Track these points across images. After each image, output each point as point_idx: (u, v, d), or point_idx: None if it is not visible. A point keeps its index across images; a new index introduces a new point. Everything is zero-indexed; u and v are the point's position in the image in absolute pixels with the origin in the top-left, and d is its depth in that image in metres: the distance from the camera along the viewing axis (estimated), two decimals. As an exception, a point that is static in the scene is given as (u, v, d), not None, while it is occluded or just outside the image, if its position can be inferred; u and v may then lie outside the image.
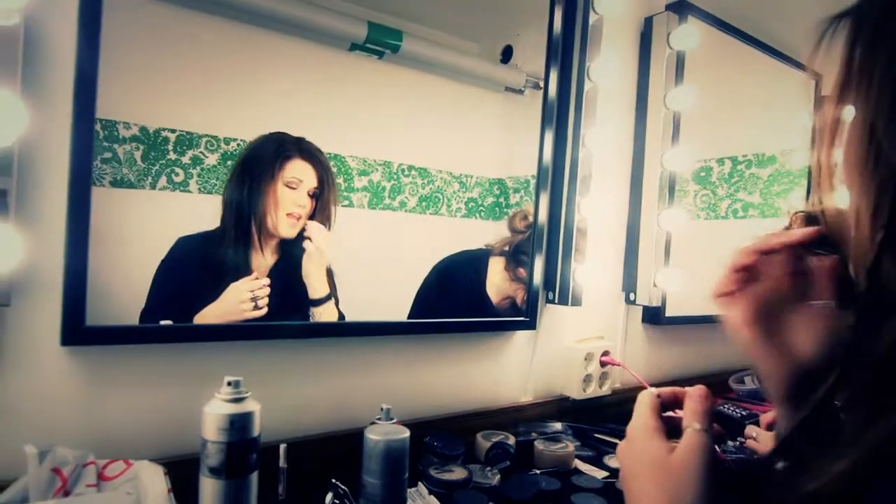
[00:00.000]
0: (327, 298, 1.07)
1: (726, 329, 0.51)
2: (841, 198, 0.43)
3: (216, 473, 0.74)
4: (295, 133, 1.03)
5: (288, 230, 1.03)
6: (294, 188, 1.02)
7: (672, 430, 0.51)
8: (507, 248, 1.35)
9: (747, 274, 0.52)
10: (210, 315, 0.95)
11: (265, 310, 0.99)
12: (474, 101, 1.32)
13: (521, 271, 1.35)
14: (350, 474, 0.92)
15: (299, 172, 1.03)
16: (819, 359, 0.47)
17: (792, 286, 0.49)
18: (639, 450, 0.50)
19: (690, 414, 0.50)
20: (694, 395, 0.51)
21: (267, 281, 1.00)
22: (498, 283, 1.34)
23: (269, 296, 1.00)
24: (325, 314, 1.07)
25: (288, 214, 1.02)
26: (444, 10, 1.25)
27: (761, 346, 0.51)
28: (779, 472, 0.39)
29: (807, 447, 0.38)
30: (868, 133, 0.37)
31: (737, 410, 1.54)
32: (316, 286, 1.06)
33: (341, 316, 1.10)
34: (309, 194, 1.04)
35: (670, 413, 0.54)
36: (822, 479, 0.34)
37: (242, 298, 0.98)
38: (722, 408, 1.55)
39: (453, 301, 1.30)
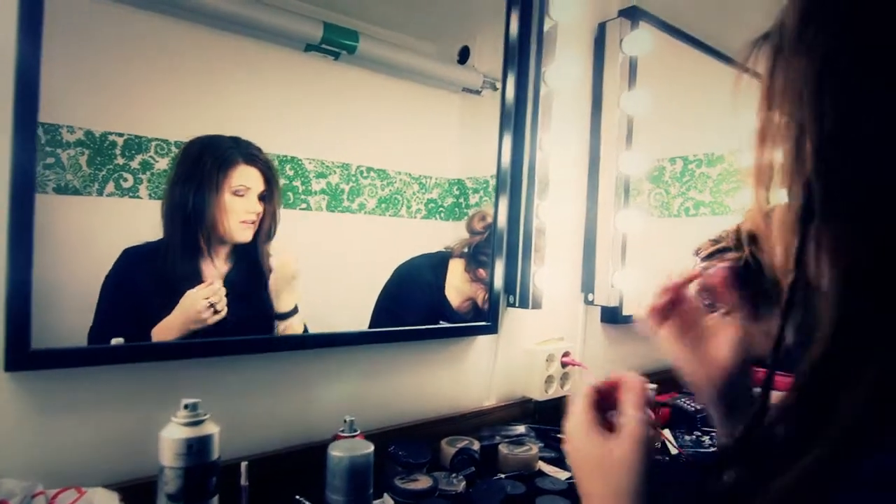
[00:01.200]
0: (294, 312, 1.06)
1: (660, 346, 0.56)
2: (775, 197, 0.44)
3: (174, 500, 0.72)
4: (248, 136, 1.01)
5: (243, 234, 1.01)
6: (242, 195, 1.00)
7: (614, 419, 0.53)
8: (466, 250, 1.35)
9: (669, 301, 0.62)
10: (168, 326, 0.93)
11: (224, 311, 0.97)
12: (432, 101, 1.33)
13: (482, 272, 1.36)
14: (315, 489, 0.91)
15: (246, 179, 1.00)
16: (735, 365, 0.52)
17: (699, 306, 0.58)
18: (579, 448, 0.52)
19: (627, 405, 0.51)
20: (630, 386, 0.52)
21: (220, 284, 0.98)
22: (458, 284, 1.35)
23: (228, 306, 0.97)
24: (290, 328, 1.06)
25: (241, 222, 1.00)
26: (401, 10, 1.26)
27: (687, 358, 0.59)
28: (723, 484, 0.41)
29: (746, 462, 0.39)
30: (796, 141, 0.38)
31: (691, 404, 1.59)
32: (284, 300, 1.05)
33: (305, 327, 1.09)
34: (259, 198, 1.02)
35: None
36: (764, 498, 0.35)
37: (199, 307, 0.96)
38: (677, 402, 1.60)
39: (413, 305, 1.30)
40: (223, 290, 0.97)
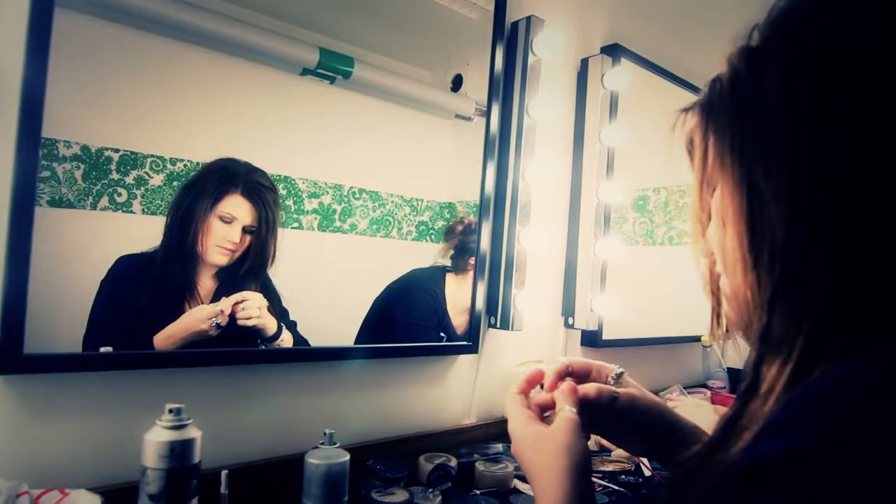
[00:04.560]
0: (277, 334, 1.09)
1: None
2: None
3: (156, 500, 0.75)
4: (242, 155, 1.04)
5: (216, 258, 1.03)
6: (228, 222, 1.02)
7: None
8: (453, 252, 1.40)
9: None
10: (169, 335, 0.97)
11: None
12: (425, 126, 1.37)
13: (472, 259, 1.40)
14: (293, 500, 0.94)
15: (234, 208, 1.03)
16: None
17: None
18: (520, 438, 0.60)
19: (562, 399, 0.61)
20: (564, 390, 0.62)
21: (229, 306, 1.02)
22: (454, 295, 1.39)
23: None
24: (284, 343, 1.10)
25: (218, 245, 1.02)
26: (396, 38, 1.31)
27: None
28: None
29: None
30: (746, 206, 0.43)
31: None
32: (267, 327, 1.08)
33: (302, 340, 1.13)
34: (244, 230, 1.04)
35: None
36: None
37: (204, 326, 0.99)
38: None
39: (419, 314, 1.34)
40: (229, 311, 1.01)
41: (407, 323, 1.33)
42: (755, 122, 0.43)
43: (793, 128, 0.40)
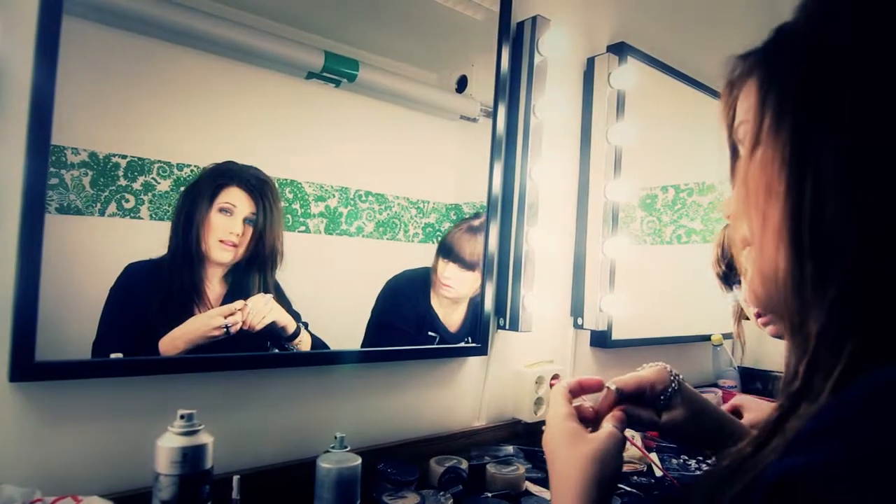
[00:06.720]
0: (299, 330, 1.10)
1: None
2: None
3: (168, 507, 0.75)
4: (248, 159, 1.04)
5: (220, 254, 1.02)
6: (228, 213, 1.02)
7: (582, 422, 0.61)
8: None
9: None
10: (176, 338, 0.96)
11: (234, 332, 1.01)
12: (430, 128, 1.37)
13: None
14: (304, 504, 0.94)
15: (233, 198, 1.03)
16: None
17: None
18: (560, 429, 0.59)
19: (611, 419, 0.60)
20: (616, 414, 0.62)
21: (240, 311, 1.02)
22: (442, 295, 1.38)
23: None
24: (302, 343, 1.11)
25: (220, 241, 1.02)
26: (401, 40, 1.31)
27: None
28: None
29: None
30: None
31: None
32: (284, 324, 1.08)
33: (319, 341, 1.13)
34: (245, 221, 1.04)
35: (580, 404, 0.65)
36: None
37: (215, 323, 0.99)
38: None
39: (401, 316, 1.33)
40: (240, 315, 1.01)
41: (386, 324, 1.31)
42: (828, 96, 0.39)
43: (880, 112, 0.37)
